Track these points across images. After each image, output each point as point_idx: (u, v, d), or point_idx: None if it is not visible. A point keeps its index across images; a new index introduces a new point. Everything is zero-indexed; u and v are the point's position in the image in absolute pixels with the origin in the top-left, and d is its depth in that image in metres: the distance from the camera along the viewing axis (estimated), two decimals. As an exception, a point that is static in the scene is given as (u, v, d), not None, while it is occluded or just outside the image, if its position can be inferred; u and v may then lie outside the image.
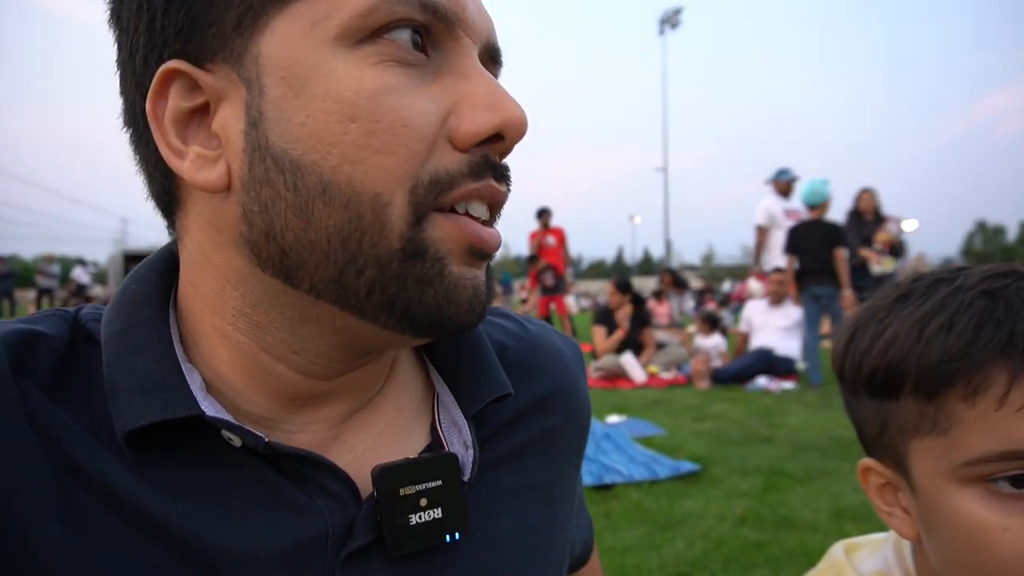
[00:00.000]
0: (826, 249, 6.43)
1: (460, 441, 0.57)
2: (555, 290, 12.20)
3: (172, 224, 0.53)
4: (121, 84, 0.51)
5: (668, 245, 32.92)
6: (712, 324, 7.61)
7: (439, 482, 0.53)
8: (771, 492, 3.23)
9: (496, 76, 0.54)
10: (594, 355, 7.20)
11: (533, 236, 12.25)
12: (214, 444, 0.48)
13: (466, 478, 0.55)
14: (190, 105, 0.47)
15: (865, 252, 7.38)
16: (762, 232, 7.67)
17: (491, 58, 0.53)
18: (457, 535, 0.53)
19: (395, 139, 0.45)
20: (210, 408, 0.48)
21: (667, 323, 9.13)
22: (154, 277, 0.53)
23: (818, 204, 6.74)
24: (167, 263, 0.55)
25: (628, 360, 6.74)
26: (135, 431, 0.46)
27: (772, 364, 6.63)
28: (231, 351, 0.50)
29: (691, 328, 9.24)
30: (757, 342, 7.02)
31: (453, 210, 0.48)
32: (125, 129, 0.52)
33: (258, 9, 0.45)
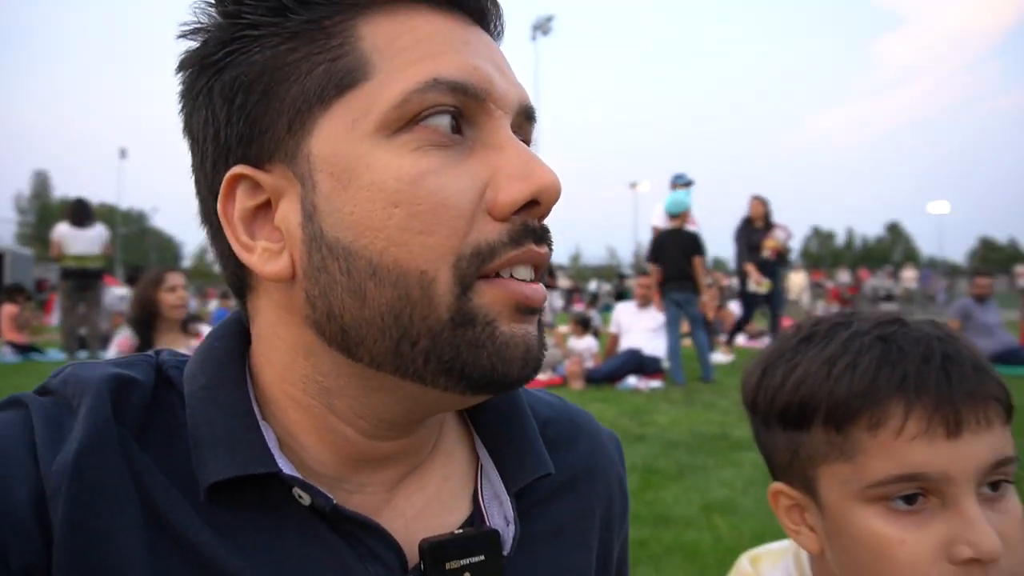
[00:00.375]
0: (685, 257, 6.83)
1: (500, 514, 0.59)
2: None
3: (244, 305, 0.58)
4: (196, 188, 0.56)
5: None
6: (584, 326, 7.89)
7: (482, 557, 0.55)
8: (647, 490, 3.42)
9: (531, 131, 0.57)
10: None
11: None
12: (282, 500, 0.52)
13: (506, 553, 0.57)
14: (254, 203, 0.52)
15: (748, 267, 7.84)
16: (657, 232, 7.97)
17: (526, 117, 0.56)
18: None
19: (436, 219, 0.48)
20: (285, 466, 0.51)
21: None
22: (232, 340, 0.58)
23: (679, 214, 7.11)
24: (242, 325, 0.59)
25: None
26: (216, 484, 0.49)
27: (641, 364, 6.99)
28: (301, 413, 0.54)
29: (563, 328, 9.54)
30: (627, 343, 7.36)
31: (498, 275, 0.50)
32: (202, 226, 0.57)
33: (305, 112, 0.50)
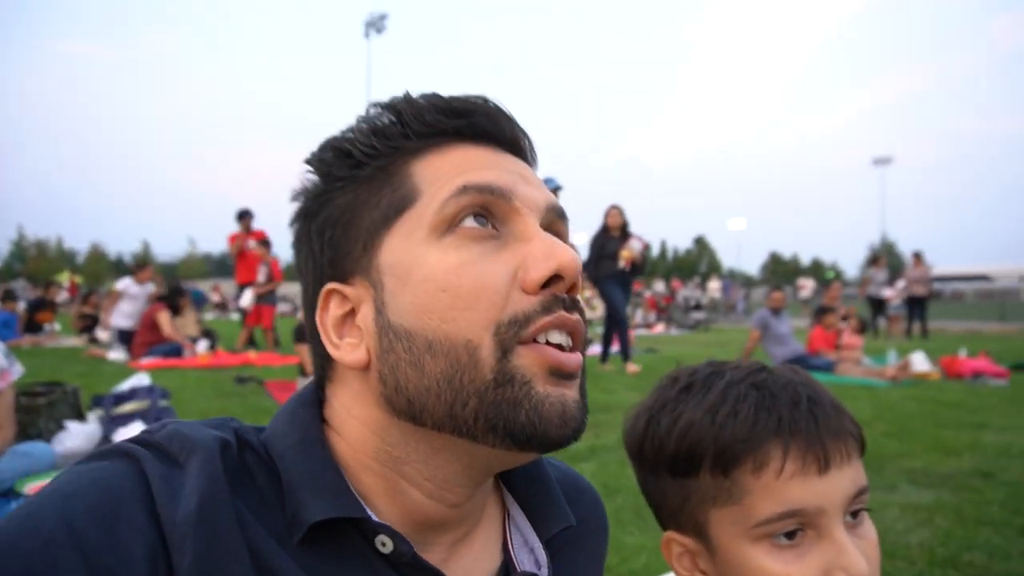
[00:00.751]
0: None
1: (531, 561, 0.71)
2: (266, 299, 11.50)
3: (323, 391, 0.69)
4: (304, 312, 0.70)
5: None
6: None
7: None
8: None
9: (564, 227, 0.68)
10: (302, 371, 6.92)
11: (233, 239, 11.39)
12: (363, 548, 0.60)
13: None
14: (342, 312, 0.65)
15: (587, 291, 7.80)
16: None
17: (556, 215, 0.67)
18: None
19: (477, 298, 0.58)
20: (373, 515, 0.61)
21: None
22: (314, 408, 0.67)
23: None
24: (318, 399, 0.69)
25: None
26: (313, 524, 0.57)
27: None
28: (373, 478, 0.63)
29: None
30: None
31: (536, 341, 0.59)
32: (309, 336, 0.69)
33: (375, 235, 0.64)
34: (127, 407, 3.92)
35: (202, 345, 9.99)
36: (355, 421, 0.64)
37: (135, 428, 3.67)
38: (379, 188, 0.64)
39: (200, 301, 22.91)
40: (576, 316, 0.61)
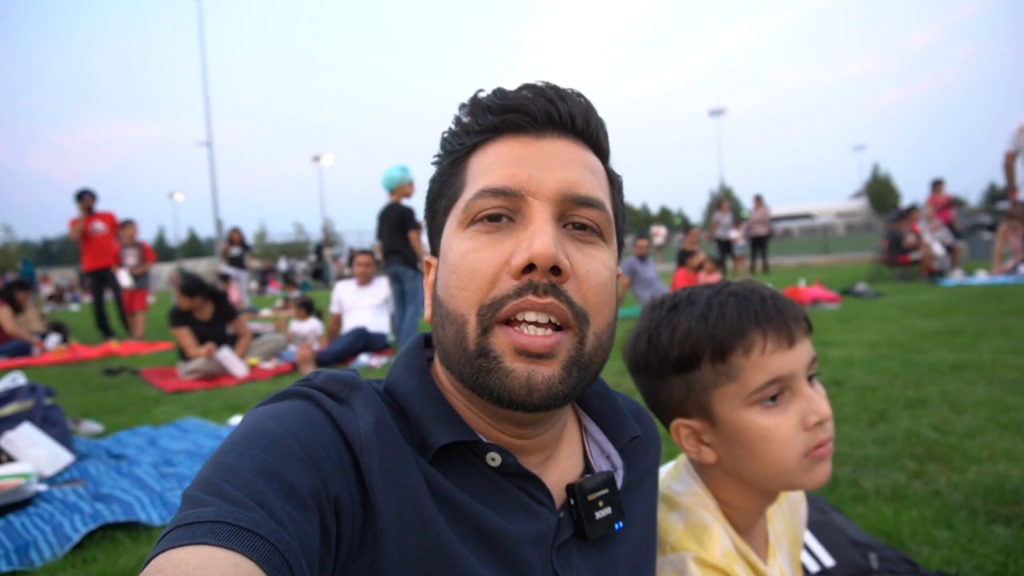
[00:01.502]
0: (399, 231, 6.72)
1: (607, 464, 0.87)
2: (140, 282, 10.69)
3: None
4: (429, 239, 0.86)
5: (219, 224, 30.75)
6: (308, 309, 7.67)
7: (606, 491, 0.81)
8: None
9: (591, 213, 0.74)
10: (183, 356, 6.59)
11: (73, 223, 10.38)
12: (476, 461, 0.75)
13: (619, 486, 0.84)
14: (431, 278, 0.81)
15: None
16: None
17: (573, 202, 0.73)
18: (620, 524, 0.82)
19: (470, 280, 0.70)
20: (483, 438, 0.76)
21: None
22: (421, 358, 0.83)
23: (392, 189, 6.93)
24: (422, 345, 0.85)
25: (226, 356, 6.33)
26: (442, 447, 0.72)
27: (369, 341, 7.04)
28: (469, 413, 0.77)
29: (284, 311, 9.07)
30: (350, 322, 7.34)
31: (515, 321, 0.69)
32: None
33: (443, 218, 0.79)
34: (8, 409, 3.63)
35: (52, 340, 9.18)
36: (440, 367, 0.79)
37: (26, 431, 3.42)
38: (451, 178, 0.79)
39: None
40: (548, 299, 0.68)
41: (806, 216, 65.27)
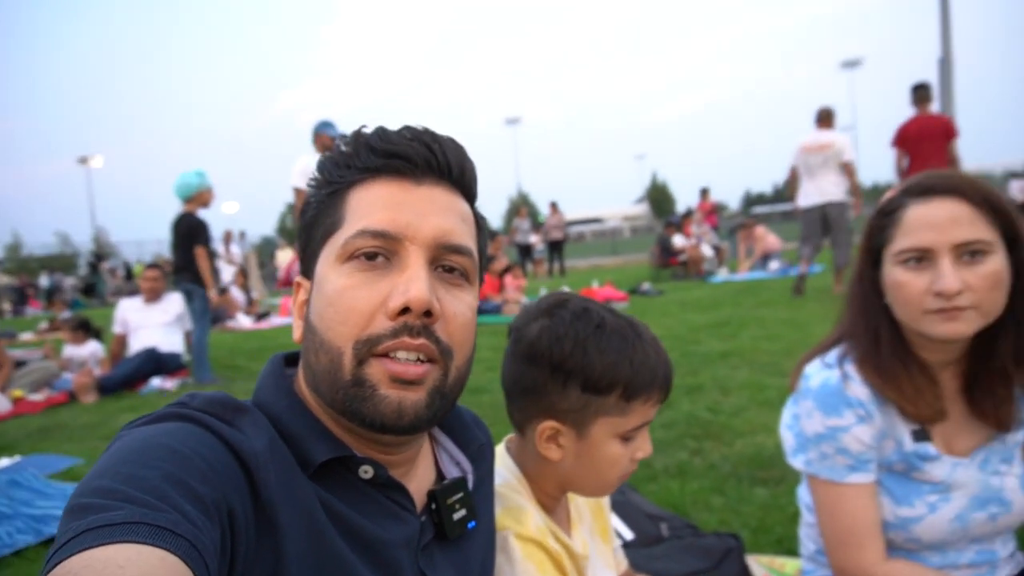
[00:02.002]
0: (188, 246, 6.17)
1: (458, 470, 0.97)
2: None
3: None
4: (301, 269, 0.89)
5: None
6: (85, 330, 6.87)
7: (461, 494, 0.91)
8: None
9: (459, 260, 0.82)
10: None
11: None
12: (350, 475, 0.80)
13: (470, 489, 0.94)
14: (301, 299, 0.86)
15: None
16: (300, 195, 6.75)
17: (445, 249, 0.80)
18: (473, 523, 0.91)
19: (347, 316, 0.76)
20: (356, 453, 0.80)
21: None
22: (284, 378, 0.85)
23: (188, 197, 6.25)
24: (284, 361, 0.89)
25: (-18, 389, 5.51)
26: (320, 463, 0.76)
27: (161, 362, 6.45)
28: (339, 428, 0.82)
29: (28, 333, 7.99)
30: (138, 343, 6.66)
31: (388, 355, 0.75)
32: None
33: (319, 246, 0.83)
34: None
35: None
36: (306, 387, 0.83)
37: None
38: (330, 208, 0.82)
39: None
40: (420, 340, 0.75)
41: (596, 220, 70.15)
